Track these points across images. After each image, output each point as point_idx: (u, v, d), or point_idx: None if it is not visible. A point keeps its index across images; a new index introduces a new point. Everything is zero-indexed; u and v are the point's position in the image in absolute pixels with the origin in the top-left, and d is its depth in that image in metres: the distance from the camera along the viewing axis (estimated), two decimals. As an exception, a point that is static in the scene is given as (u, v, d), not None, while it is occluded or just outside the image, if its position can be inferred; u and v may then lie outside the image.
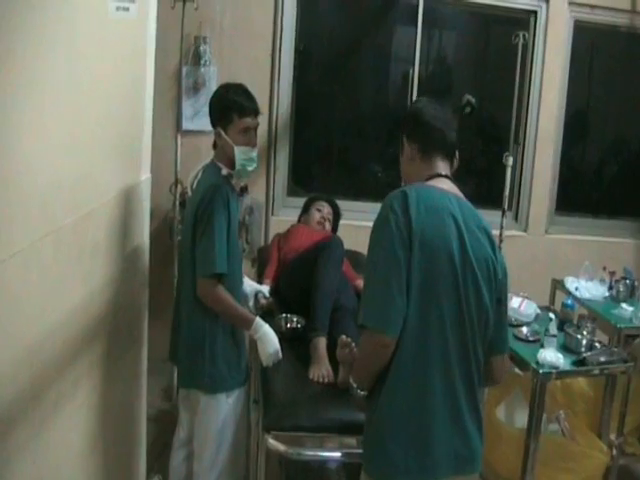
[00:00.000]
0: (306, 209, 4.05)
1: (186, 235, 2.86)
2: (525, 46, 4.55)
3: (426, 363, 2.06)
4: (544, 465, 3.11)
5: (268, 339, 2.75)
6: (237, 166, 2.80)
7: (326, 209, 3.97)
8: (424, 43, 4.77)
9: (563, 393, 3.62)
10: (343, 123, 5.05)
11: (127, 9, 2.85)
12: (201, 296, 2.73)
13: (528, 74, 4.75)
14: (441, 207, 2.09)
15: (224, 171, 2.82)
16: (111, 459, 2.94)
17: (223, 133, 2.79)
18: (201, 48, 4.40)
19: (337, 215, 4.06)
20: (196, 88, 4.46)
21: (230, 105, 2.77)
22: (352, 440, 2.61)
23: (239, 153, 2.77)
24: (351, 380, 2.19)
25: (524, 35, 4.24)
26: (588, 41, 4.99)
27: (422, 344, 2.05)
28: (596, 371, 3.18)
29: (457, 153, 2.25)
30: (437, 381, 2.06)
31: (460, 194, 2.20)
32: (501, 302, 2.22)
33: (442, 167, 2.21)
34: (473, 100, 4.30)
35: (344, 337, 2.66)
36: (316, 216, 3.91)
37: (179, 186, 4.29)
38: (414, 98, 4.67)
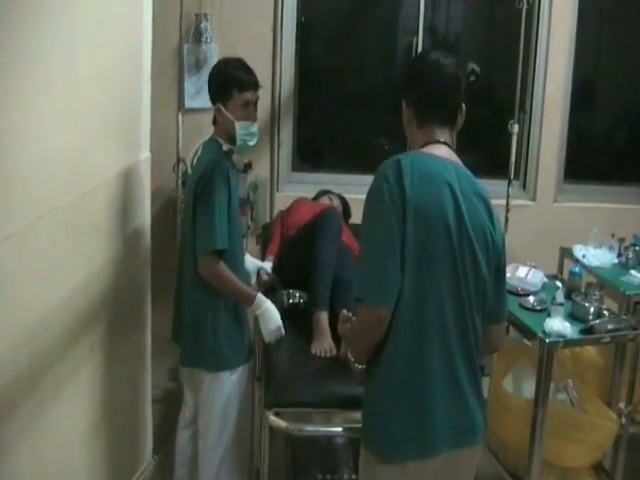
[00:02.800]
0: (316, 199, 4.04)
1: (187, 213, 2.84)
2: (530, 11, 4.49)
3: (423, 335, 2.01)
4: (552, 435, 3.07)
5: (270, 315, 2.74)
6: (238, 141, 2.79)
7: (335, 201, 3.94)
8: (428, 12, 4.69)
9: (573, 362, 3.58)
10: (347, 96, 4.99)
11: (121, -14, 2.83)
12: (202, 273, 2.72)
13: (534, 40, 4.66)
14: (436, 175, 2.03)
15: (225, 147, 2.80)
16: (116, 440, 2.96)
17: (223, 108, 2.76)
18: (202, 25, 4.36)
19: (347, 213, 3.98)
20: (198, 66, 4.42)
21: (229, 80, 2.75)
22: (356, 414, 2.61)
23: (240, 128, 2.75)
24: (349, 354, 2.17)
25: (528, 0, 4.16)
26: (595, 4, 4.88)
27: (418, 315, 2.01)
28: (604, 339, 3.14)
29: (463, 109, 2.17)
30: (435, 353, 2.01)
31: (458, 161, 2.13)
32: (500, 271, 2.17)
33: (440, 134, 2.13)
34: (477, 69, 4.26)
35: (345, 311, 2.63)
36: (325, 201, 3.90)
37: (182, 165, 4.28)
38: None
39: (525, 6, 4.17)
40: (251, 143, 2.83)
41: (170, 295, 4.14)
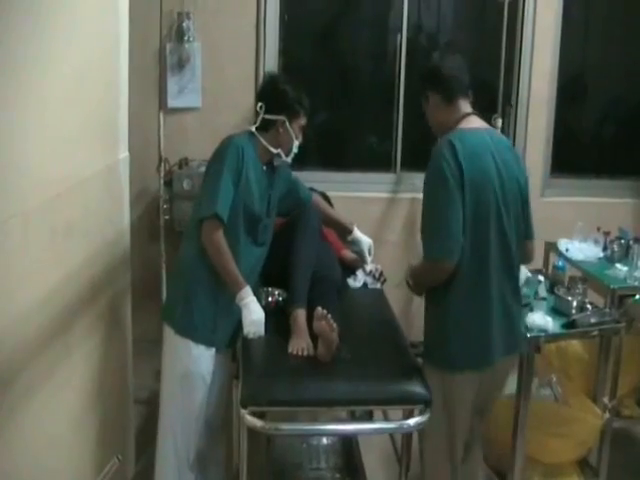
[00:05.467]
0: None
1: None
2: (514, 5, 4.47)
3: (481, 274, 2.61)
4: (536, 431, 3.06)
5: (254, 307, 2.74)
6: (290, 156, 2.99)
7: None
8: (412, 9, 4.66)
9: (558, 357, 3.56)
10: (332, 94, 4.96)
11: (94, -16, 2.80)
12: (202, 238, 2.79)
13: (519, 34, 4.63)
14: (481, 147, 2.61)
15: (273, 150, 2.94)
16: (96, 441, 2.94)
17: (288, 124, 2.92)
18: (184, 24, 4.33)
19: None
20: (180, 65, 4.39)
21: (300, 101, 2.95)
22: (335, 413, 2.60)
23: (294, 147, 2.98)
24: (409, 281, 2.79)
25: (511, -7, 4.14)
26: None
27: (477, 261, 2.59)
28: (587, 333, 3.13)
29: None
30: (490, 286, 2.62)
31: (487, 125, 2.76)
32: (526, 202, 2.80)
33: (465, 106, 2.70)
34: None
35: (319, 309, 2.64)
36: None
37: (166, 164, 4.25)
38: (402, 65, 4.60)
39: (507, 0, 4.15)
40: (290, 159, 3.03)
41: (152, 295, 4.17)
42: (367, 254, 3.27)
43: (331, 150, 5.01)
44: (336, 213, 3.44)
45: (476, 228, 2.56)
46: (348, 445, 3.49)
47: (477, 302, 2.62)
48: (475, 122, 2.69)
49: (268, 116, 2.93)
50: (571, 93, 4.90)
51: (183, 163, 4.32)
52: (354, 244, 3.34)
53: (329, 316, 2.59)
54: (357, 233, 3.31)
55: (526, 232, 2.80)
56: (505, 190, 2.61)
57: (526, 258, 2.87)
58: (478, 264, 2.59)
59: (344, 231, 3.34)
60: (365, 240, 3.30)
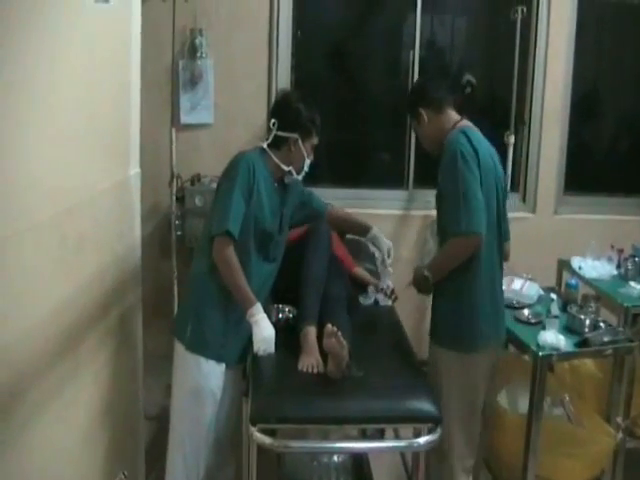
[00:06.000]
0: None
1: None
2: (527, 21, 4.47)
3: (493, 257, 2.90)
4: (548, 451, 3.02)
5: (265, 324, 2.73)
6: (301, 174, 3.02)
7: None
8: (425, 26, 4.66)
9: (571, 376, 3.53)
10: (344, 110, 4.96)
11: (106, 1, 2.81)
12: (214, 255, 2.79)
13: (532, 50, 4.62)
14: (482, 139, 2.91)
15: (285, 167, 2.96)
16: (105, 457, 2.92)
17: (300, 142, 2.93)
18: (197, 40, 4.35)
19: None
20: (193, 82, 4.40)
21: (314, 121, 2.98)
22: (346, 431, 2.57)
23: (306, 165, 3.01)
24: (427, 274, 2.87)
25: (522, 10, 4.13)
26: (595, 13, 4.82)
27: (489, 241, 2.83)
28: (599, 352, 3.10)
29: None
30: (497, 270, 2.96)
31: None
32: (505, 200, 3.02)
33: (453, 114, 2.99)
34: (473, 80, 4.24)
35: (329, 326, 2.62)
36: None
37: (179, 180, 4.26)
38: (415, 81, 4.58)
39: (520, 17, 4.14)
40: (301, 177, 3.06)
41: (163, 312, 4.16)
42: (386, 255, 3.24)
43: (343, 167, 4.99)
44: (353, 216, 3.46)
45: (487, 210, 2.79)
46: (359, 463, 3.47)
47: (491, 283, 2.90)
48: (469, 124, 2.96)
49: (281, 133, 2.93)
50: (584, 109, 4.87)
51: (195, 179, 4.32)
52: (373, 243, 3.32)
53: (339, 333, 2.57)
54: (376, 231, 3.29)
55: (505, 232, 3.03)
56: (498, 185, 2.90)
57: (506, 257, 3.09)
58: (490, 243, 2.83)
59: (364, 231, 3.32)
60: (384, 240, 3.27)
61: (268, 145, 2.96)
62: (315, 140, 3.00)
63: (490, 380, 3.01)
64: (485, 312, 2.88)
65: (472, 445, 2.97)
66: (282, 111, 2.99)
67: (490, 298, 2.91)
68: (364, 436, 3.42)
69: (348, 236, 3.59)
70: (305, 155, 2.96)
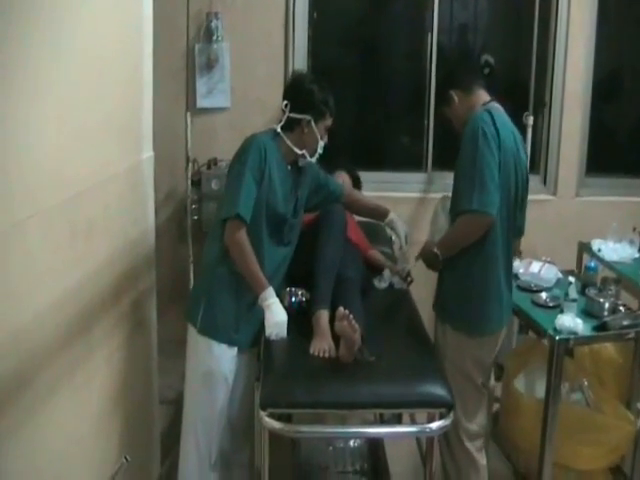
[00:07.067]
0: None
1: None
2: (547, 1, 4.38)
3: (504, 238, 2.87)
4: (566, 437, 2.97)
5: (277, 308, 2.72)
6: (314, 156, 2.97)
7: (345, 179, 3.83)
8: (444, 7, 4.59)
9: (591, 360, 3.47)
10: (363, 93, 4.90)
11: (117, -18, 2.79)
12: (225, 239, 2.78)
13: (553, 31, 4.53)
14: (507, 121, 2.91)
15: (297, 150, 2.91)
16: (119, 441, 2.92)
17: (313, 124, 2.89)
18: (213, 24, 4.32)
19: (358, 187, 3.92)
20: (209, 65, 4.38)
21: (327, 102, 2.93)
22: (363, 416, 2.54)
23: (319, 148, 2.95)
24: (437, 251, 2.88)
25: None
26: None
27: (502, 224, 2.84)
28: (618, 336, 3.04)
29: None
30: (506, 253, 2.91)
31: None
32: (526, 189, 3.02)
33: (485, 94, 2.99)
34: (492, 60, 4.17)
35: (341, 309, 2.58)
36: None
37: (195, 165, 4.25)
38: (433, 65, 4.52)
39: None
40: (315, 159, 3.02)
41: (179, 296, 4.15)
42: (403, 239, 3.20)
43: (362, 150, 4.96)
44: (370, 199, 3.42)
45: (502, 188, 2.79)
46: (374, 448, 3.44)
47: (503, 268, 2.90)
48: (498, 105, 2.94)
49: (293, 115, 2.90)
50: (606, 91, 4.77)
51: (212, 163, 4.31)
52: (390, 227, 3.29)
53: (351, 316, 2.53)
54: (393, 216, 3.25)
55: (519, 226, 3.05)
56: (518, 170, 2.89)
57: (515, 253, 3.13)
58: (502, 227, 2.83)
59: (382, 215, 3.28)
60: (402, 225, 3.23)
61: (281, 127, 2.92)
62: (329, 122, 2.96)
63: (493, 360, 3.04)
64: (496, 301, 2.90)
65: (475, 421, 2.97)
66: (295, 92, 2.96)
67: (499, 283, 2.90)
68: (381, 421, 3.40)
69: (366, 220, 3.55)
70: (318, 137, 2.92)
